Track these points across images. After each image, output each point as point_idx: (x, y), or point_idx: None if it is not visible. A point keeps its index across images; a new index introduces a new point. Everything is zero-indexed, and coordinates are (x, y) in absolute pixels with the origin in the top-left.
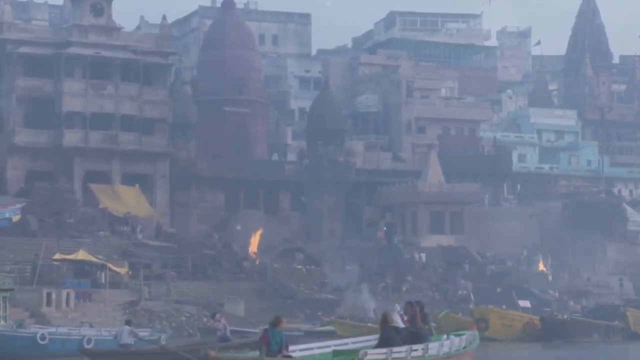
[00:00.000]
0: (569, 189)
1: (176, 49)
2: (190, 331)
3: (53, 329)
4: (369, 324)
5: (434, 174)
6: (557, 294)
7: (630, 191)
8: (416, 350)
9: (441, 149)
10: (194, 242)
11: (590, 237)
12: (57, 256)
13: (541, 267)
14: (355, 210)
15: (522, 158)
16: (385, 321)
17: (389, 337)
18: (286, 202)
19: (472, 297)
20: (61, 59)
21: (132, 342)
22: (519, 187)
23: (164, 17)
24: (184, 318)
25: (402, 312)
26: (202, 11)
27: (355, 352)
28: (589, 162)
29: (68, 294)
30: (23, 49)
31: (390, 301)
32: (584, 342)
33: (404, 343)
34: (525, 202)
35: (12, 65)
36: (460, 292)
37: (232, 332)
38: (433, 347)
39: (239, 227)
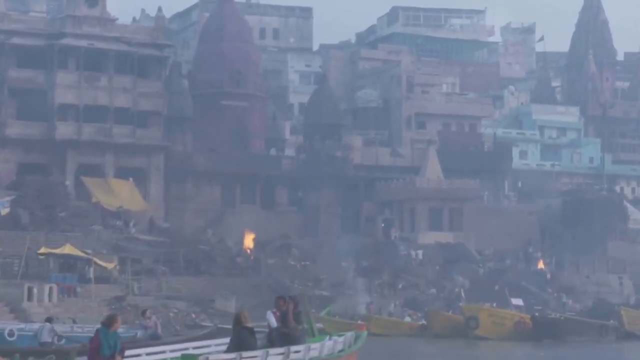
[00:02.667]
0: (571, 186)
1: (176, 42)
2: (178, 327)
3: (23, 325)
4: (359, 321)
5: (433, 170)
6: (555, 292)
7: (633, 189)
8: (277, 354)
9: (441, 145)
10: (187, 237)
11: (590, 235)
12: (42, 250)
13: (540, 264)
14: (353, 206)
15: (523, 155)
16: (237, 321)
17: (241, 340)
18: (283, 197)
19: (463, 294)
20: (54, 50)
21: (52, 340)
22: (520, 184)
23: (160, 9)
24: (171, 314)
25: (274, 310)
26: (202, 4)
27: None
28: (591, 160)
29: (51, 288)
30: (16, 40)
31: (386, 298)
32: (576, 341)
33: (273, 345)
34: (525, 199)
35: (4, 56)
36: (457, 290)
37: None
38: (297, 350)
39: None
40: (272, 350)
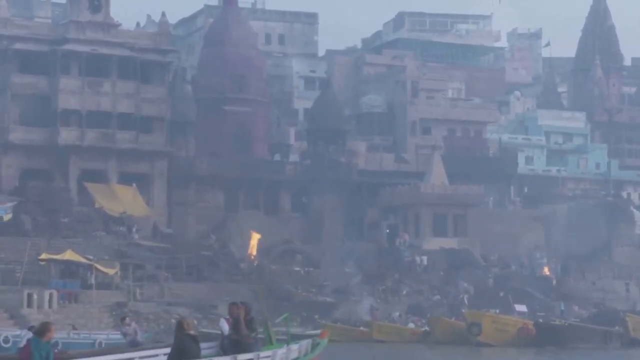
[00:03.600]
0: (577, 191)
1: (181, 48)
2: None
3: (19, 332)
4: (361, 328)
5: (438, 176)
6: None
7: None
8: None
9: (446, 151)
10: (190, 243)
11: (596, 241)
12: (43, 256)
13: (546, 271)
14: (357, 211)
15: (529, 160)
16: (179, 328)
17: (183, 348)
18: (286, 203)
19: (465, 300)
20: (57, 56)
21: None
22: (525, 189)
23: (163, 14)
24: (173, 320)
25: (228, 317)
26: (207, 10)
27: None
28: (597, 165)
29: (51, 294)
30: (19, 45)
31: (390, 304)
32: (579, 348)
33: (225, 353)
34: (531, 204)
35: (7, 62)
36: (461, 296)
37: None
38: (245, 359)
39: (237, 223)
40: (216, 359)
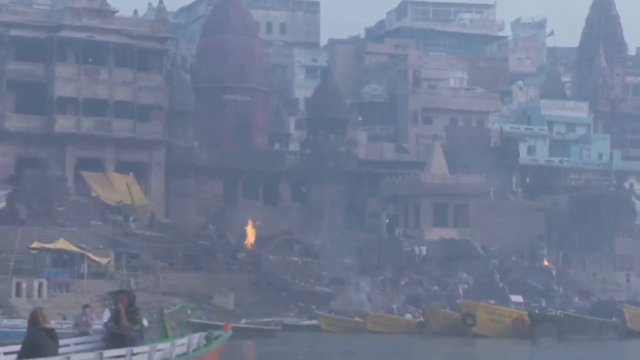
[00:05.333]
0: (579, 182)
1: (183, 36)
2: (173, 324)
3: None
4: (356, 318)
5: (438, 166)
6: (561, 289)
7: None
8: None
9: (448, 141)
10: (188, 233)
11: (597, 231)
12: (34, 244)
13: (546, 262)
14: (357, 201)
15: (531, 150)
16: (34, 322)
17: (36, 344)
18: (286, 193)
19: (461, 291)
20: (53, 43)
21: None
22: (527, 179)
23: (161, 1)
24: (167, 310)
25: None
26: None
27: None
28: (600, 155)
29: (41, 284)
30: (14, 32)
31: (389, 295)
32: (575, 339)
33: (107, 347)
34: (533, 195)
35: (2, 49)
36: (461, 286)
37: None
38: (116, 355)
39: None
40: (75, 357)
